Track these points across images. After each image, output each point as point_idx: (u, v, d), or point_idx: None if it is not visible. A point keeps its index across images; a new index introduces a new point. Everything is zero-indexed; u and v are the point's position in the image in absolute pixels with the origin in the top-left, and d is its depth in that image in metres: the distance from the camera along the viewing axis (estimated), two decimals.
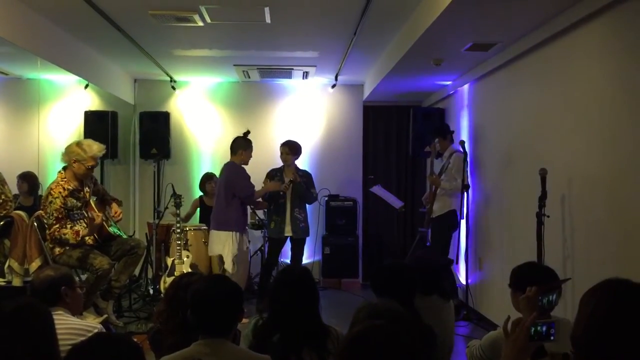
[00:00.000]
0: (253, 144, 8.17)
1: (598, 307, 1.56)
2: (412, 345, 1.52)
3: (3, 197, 4.79)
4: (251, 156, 5.95)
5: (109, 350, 1.60)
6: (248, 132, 5.99)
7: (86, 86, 7.61)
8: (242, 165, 5.90)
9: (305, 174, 6.40)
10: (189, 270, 5.78)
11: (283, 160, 6.35)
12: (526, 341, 1.77)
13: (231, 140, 7.98)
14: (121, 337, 1.74)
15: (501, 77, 5.48)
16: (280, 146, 6.40)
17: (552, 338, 1.78)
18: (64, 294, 2.80)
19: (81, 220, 4.83)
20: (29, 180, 6.59)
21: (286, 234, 6.20)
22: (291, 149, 6.34)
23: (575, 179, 4.07)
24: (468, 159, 5.94)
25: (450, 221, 5.98)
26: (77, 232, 4.72)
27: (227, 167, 5.93)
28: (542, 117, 4.60)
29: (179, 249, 5.85)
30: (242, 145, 5.90)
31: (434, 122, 7.10)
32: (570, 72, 4.16)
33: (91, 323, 2.82)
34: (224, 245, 5.72)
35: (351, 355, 1.54)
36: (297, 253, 6.28)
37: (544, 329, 1.78)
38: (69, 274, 2.96)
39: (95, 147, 4.91)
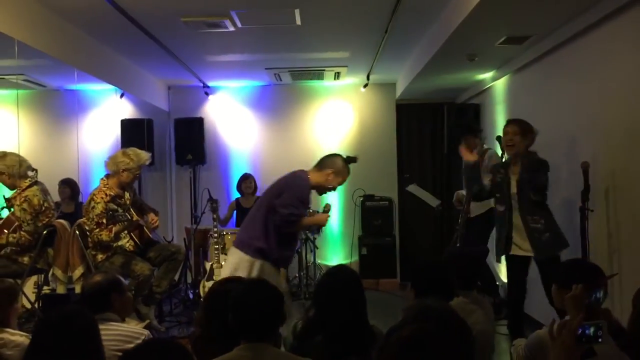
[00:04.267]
0: (288, 147, 8.17)
1: None
2: (459, 349, 1.49)
3: (46, 204, 4.90)
4: (335, 187, 4.20)
5: (161, 356, 1.60)
6: (354, 160, 4.23)
7: (122, 95, 7.73)
8: (313, 187, 4.15)
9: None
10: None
11: (512, 144, 4.29)
12: (573, 344, 1.72)
13: (264, 143, 8.08)
14: (172, 342, 1.75)
15: (537, 70, 5.37)
16: (507, 126, 4.39)
17: (599, 340, 1.73)
18: (113, 300, 2.84)
19: (124, 222, 4.92)
20: (70, 185, 6.82)
21: (521, 253, 4.29)
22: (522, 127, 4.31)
23: (618, 172, 3.96)
24: (504, 156, 5.83)
25: (489, 220, 5.85)
26: (110, 229, 4.81)
27: (291, 173, 4.20)
28: (581, 109, 4.49)
29: (217, 253, 5.89)
30: (336, 167, 4.12)
31: (468, 119, 6.99)
32: (608, 63, 4.05)
33: (139, 329, 2.85)
34: (235, 270, 3.91)
35: (399, 358, 1.52)
36: (545, 280, 4.19)
37: (592, 330, 1.73)
38: (118, 278, 3.00)
39: (143, 156, 5.07)
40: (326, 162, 4.19)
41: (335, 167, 4.13)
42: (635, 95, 3.72)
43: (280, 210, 3.89)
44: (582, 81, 4.48)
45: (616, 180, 3.99)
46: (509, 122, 4.41)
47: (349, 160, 4.20)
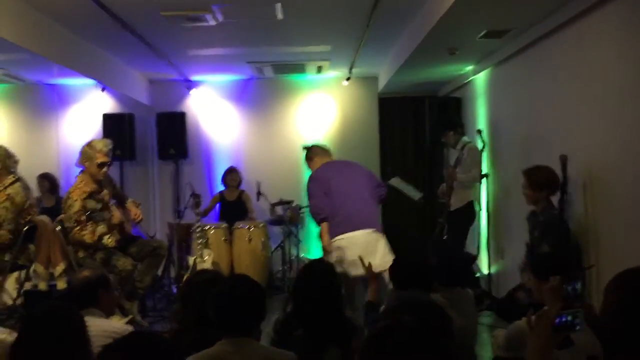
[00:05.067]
0: (270, 141, 8.21)
1: (627, 295, 1.52)
2: (436, 342, 1.51)
3: (29, 202, 4.87)
4: None
5: (144, 348, 1.60)
6: None
7: (103, 89, 7.67)
8: None
9: None
10: (211, 268, 5.82)
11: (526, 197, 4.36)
12: (550, 333, 1.75)
13: (247, 137, 8.06)
14: (155, 335, 1.75)
15: (517, 64, 5.41)
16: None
17: (577, 328, 1.76)
18: (100, 296, 2.84)
19: (102, 222, 4.88)
20: (49, 178, 6.77)
21: None
22: None
23: (596, 165, 4.01)
24: (485, 149, 5.89)
25: (468, 214, 5.93)
26: (93, 232, 4.77)
27: (354, 162, 5.28)
28: (561, 103, 4.53)
29: (200, 248, 5.88)
30: None
31: (450, 112, 7.04)
32: (588, 56, 4.10)
33: (123, 325, 2.85)
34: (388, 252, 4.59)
35: (373, 350, 1.53)
36: None
37: (569, 319, 1.76)
38: (106, 275, 3.00)
39: (101, 143, 5.00)
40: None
41: None
42: (614, 88, 3.77)
43: (384, 185, 5.11)
44: (561, 74, 4.52)
45: (594, 173, 4.04)
46: (522, 173, 4.26)
47: None
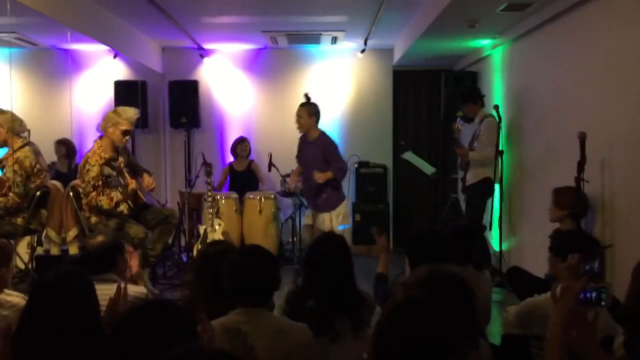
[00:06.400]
0: (283, 111, 8.20)
1: None
2: (449, 320, 1.49)
3: (38, 166, 4.87)
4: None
5: (162, 316, 1.59)
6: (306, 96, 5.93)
7: (115, 56, 7.62)
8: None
9: None
10: (221, 238, 5.84)
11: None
12: (574, 307, 1.72)
13: (259, 107, 8.02)
14: (172, 304, 1.75)
15: (538, 39, 5.31)
16: None
17: (602, 304, 1.73)
18: (117, 261, 2.85)
19: (117, 188, 4.90)
20: (66, 144, 6.81)
21: None
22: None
23: (616, 143, 3.95)
24: (502, 124, 5.81)
25: (485, 189, 5.87)
26: (112, 198, 4.79)
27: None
28: (581, 79, 4.45)
29: (210, 217, 5.90)
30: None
31: (465, 86, 6.95)
32: (610, 32, 4.00)
33: (140, 289, 2.86)
34: None
35: (391, 323, 1.53)
36: None
37: (594, 294, 1.72)
38: (119, 239, 3.01)
39: (130, 111, 4.99)
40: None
41: None
42: (636, 65, 3.69)
43: None
44: (582, 50, 4.43)
45: (613, 151, 3.98)
46: (552, 191, 4.26)
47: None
